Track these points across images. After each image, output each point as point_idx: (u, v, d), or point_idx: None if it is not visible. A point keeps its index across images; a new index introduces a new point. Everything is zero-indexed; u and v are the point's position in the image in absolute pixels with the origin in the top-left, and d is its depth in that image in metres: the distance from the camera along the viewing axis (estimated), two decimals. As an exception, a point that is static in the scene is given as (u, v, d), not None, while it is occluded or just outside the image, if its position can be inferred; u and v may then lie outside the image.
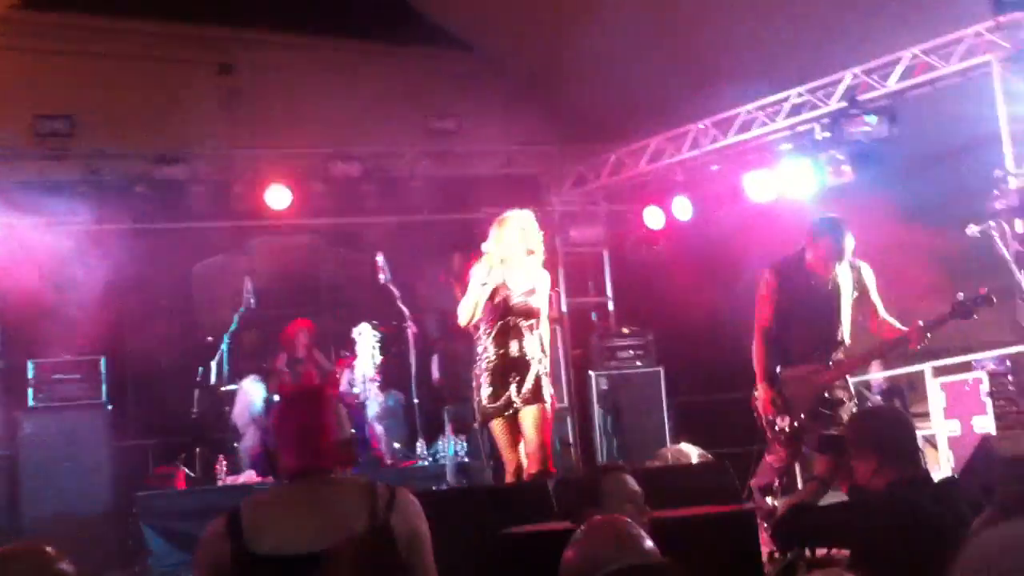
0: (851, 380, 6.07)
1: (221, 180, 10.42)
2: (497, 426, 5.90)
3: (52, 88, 10.22)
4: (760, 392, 5.91)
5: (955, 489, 3.84)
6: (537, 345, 5.95)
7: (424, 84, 11.23)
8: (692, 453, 8.20)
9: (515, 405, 5.83)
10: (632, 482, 3.63)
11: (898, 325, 5.81)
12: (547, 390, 5.90)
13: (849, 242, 5.81)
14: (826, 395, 5.80)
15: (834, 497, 5.15)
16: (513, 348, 5.87)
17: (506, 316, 5.87)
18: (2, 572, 2.45)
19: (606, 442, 9.82)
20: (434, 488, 7.64)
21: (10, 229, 9.37)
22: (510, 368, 5.85)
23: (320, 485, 2.98)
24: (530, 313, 5.91)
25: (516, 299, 5.88)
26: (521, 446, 5.88)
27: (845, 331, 5.91)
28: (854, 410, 5.85)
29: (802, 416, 5.78)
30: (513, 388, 5.83)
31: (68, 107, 9.78)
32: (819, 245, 5.84)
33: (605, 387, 9.97)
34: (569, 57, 10.13)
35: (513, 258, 5.91)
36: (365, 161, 10.56)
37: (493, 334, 5.89)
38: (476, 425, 6.33)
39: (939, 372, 7.99)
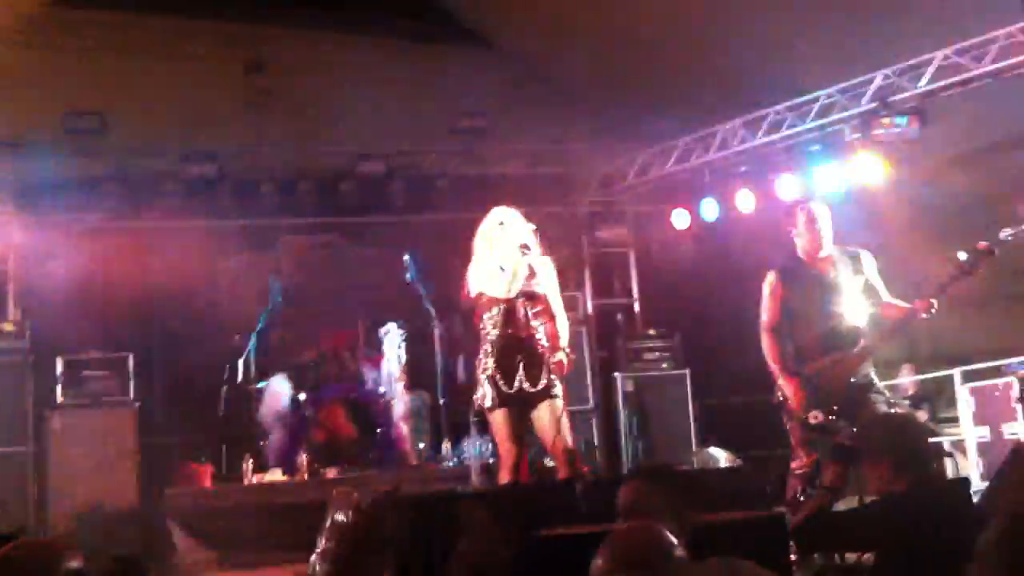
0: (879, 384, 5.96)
1: (249, 178, 10.47)
2: (500, 416, 5.73)
3: (82, 85, 10.26)
4: (787, 387, 5.74)
5: (967, 490, 3.86)
6: (543, 334, 5.85)
7: (451, 83, 11.20)
8: (720, 457, 8.16)
9: (527, 392, 5.71)
10: (669, 488, 3.55)
11: (904, 304, 5.72)
12: (558, 386, 5.78)
13: (817, 218, 5.80)
14: (852, 380, 5.67)
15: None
16: (519, 331, 5.78)
17: (509, 301, 5.81)
18: (11, 569, 2.45)
19: (631, 445, 9.77)
20: (459, 489, 7.63)
21: (39, 226, 9.46)
22: (515, 351, 5.75)
23: None
24: (534, 297, 5.85)
25: (517, 285, 5.81)
26: (523, 439, 5.75)
27: (859, 318, 5.79)
28: (883, 396, 5.74)
29: (835, 408, 5.62)
30: (522, 373, 5.72)
31: (98, 104, 9.83)
32: (799, 231, 5.85)
33: (631, 389, 9.93)
34: (596, 56, 10.10)
35: (507, 253, 5.86)
36: (391, 160, 10.59)
37: (496, 318, 5.82)
38: (479, 415, 6.10)
39: (968, 377, 7.90)
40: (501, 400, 5.74)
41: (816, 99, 8.96)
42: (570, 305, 10.11)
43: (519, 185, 10.51)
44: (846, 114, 8.74)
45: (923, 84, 8.22)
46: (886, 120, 8.35)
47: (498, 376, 5.74)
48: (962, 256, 5.46)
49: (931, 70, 8.15)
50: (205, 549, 7.98)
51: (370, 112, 10.31)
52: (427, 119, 10.85)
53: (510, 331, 5.78)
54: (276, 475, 8.55)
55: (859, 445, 4.01)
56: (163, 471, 8.84)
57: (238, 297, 10.31)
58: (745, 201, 9.66)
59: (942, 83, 8.12)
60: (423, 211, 10.69)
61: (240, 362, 8.88)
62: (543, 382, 5.77)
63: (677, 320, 10.38)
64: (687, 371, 10.07)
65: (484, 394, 5.80)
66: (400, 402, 9.00)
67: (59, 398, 8.70)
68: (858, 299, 5.83)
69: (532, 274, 5.88)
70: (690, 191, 10.25)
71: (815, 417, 5.64)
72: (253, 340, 8.98)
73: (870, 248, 6.06)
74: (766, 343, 5.88)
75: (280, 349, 9.80)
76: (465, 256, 10.17)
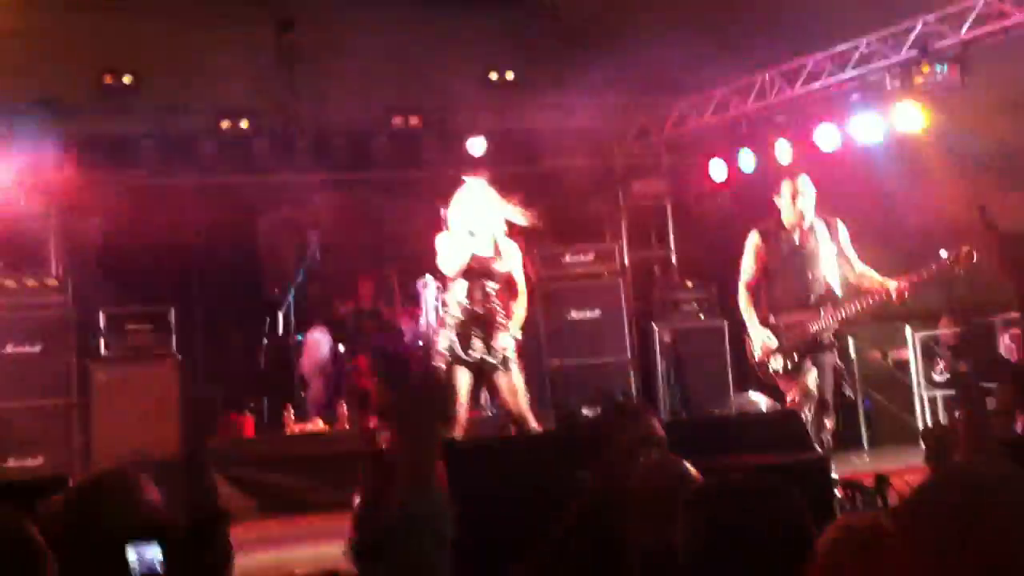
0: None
1: (284, 134, 10.49)
2: (464, 375, 6.04)
3: (117, 44, 10.31)
4: (753, 334, 6.20)
5: None
6: (500, 309, 6.16)
7: (485, 37, 11.15)
8: (761, 402, 8.15)
9: (487, 361, 6.04)
10: (654, 426, 3.61)
11: (879, 278, 6.06)
12: (514, 361, 6.14)
13: (801, 192, 6.11)
14: (818, 340, 6.07)
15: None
16: (477, 306, 6.07)
17: (471, 275, 6.09)
18: (90, 498, 2.48)
19: (669, 395, 9.79)
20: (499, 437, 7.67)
21: (79, 183, 9.54)
22: (472, 323, 6.05)
23: None
24: (491, 274, 6.12)
25: (480, 261, 6.10)
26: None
27: (833, 285, 6.12)
28: (836, 357, 6.22)
29: (795, 356, 6.06)
30: (479, 343, 6.04)
31: (133, 63, 9.90)
32: (777, 202, 6.22)
33: (668, 340, 9.92)
34: (630, 5, 10.01)
35: (476, 225, 6.14)
36: (426, 114, 10.57)
37: (458, 291, 6.12)
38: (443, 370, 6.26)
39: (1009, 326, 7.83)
40: (462, 361, 6.06)
41: (856, 47, 8.85)
42: (607, 257, 10.16)
43: (553, 138, 10.49)
44: (886, 62, 8.63)
45: (964, 31, 8.10)
46: (926, 68, 8.24)
47: (459, 342, 6.05)
48: (943, 255, 5.78)
49: (972, 16, 8.02)
50: (246, 497, 8.10)
51: (402, 67, 10.29)
52: (459, 74, 10.81)
53: (468, 307, 6.09)
54: (317, 424, 8.65)
55: None
56: (205, 422, 8.96)
57: (276, 251, 10.39)
58: (783, 152, 9.58)
59: (984, 29, 8.00)
60: (456, 166, 10.66)
61: (280, 315, 8.96)
62: (501, 356, 6.10)
63: (714, 271, 10.33)
64: (724, 322, 10.03)
65: (451, 353, 6.08)
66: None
67: (102, 351, 8.80)
68: (833, 266, 6.18)
69: (498, 253, 6.18)
70: (728, 142, 10.16)
71: (776, 362, 6.14)
72: (292, 293, 9.04)
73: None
74: (741, 297, 6.33)
75: (318, 302, 9.87)
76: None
